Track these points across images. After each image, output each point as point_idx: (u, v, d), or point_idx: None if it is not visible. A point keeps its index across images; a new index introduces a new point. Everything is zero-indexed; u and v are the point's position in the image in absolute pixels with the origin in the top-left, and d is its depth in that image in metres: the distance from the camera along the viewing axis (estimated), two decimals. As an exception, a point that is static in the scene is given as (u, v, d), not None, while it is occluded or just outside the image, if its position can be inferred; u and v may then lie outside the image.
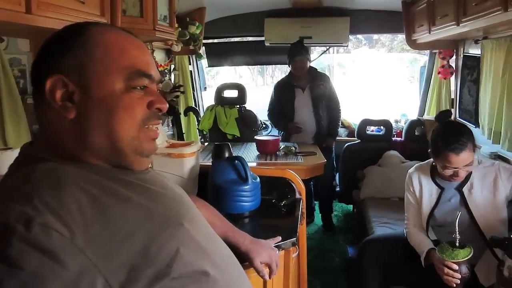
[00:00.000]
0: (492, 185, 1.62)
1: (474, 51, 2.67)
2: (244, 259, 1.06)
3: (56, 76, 0.62)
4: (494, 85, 2.25)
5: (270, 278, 1.13)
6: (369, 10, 3.59)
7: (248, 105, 3.37)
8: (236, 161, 1.51)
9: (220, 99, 3.32)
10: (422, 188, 1.75)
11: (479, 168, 1.66)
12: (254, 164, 2.36)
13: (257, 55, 4.16)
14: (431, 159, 1.76)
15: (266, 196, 1.61)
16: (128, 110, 0.65)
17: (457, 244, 1.46)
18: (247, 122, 3.25)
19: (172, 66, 3.27)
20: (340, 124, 3.32)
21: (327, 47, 3.98)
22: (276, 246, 1.23)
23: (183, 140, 3.13)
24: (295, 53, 3.08)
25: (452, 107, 3.22)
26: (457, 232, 1.44)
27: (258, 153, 2.69)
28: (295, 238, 1.34)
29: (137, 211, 0.61)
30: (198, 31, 2.90)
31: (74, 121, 0.63)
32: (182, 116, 3.31)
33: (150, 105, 0.67)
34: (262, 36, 3.67)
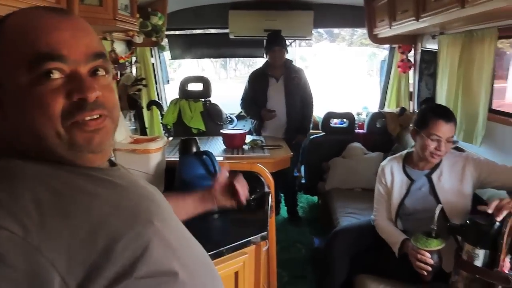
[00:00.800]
0: (460, 174, 1.70)
1: (431, 46, 2.78)
2: (225, 195, 1.13)
3: None
4: (450, 79, 2.35)
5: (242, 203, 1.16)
6: (332, 4, 3.64)
7: (212, 99, 3.32)
8: (204, 156, 1.48)
9: (184, 93, 3.25)
10: (394, 180, 1.82)
11: (449, 156, 1.74)
12: (221, 159, 2.33)
13: (221, 47, 4.11)
14: (403, 152, 1.84)
15: (235, 190, 1.59)
16: (39, 106, 0.55)
17: (433, 234, 1.52)
18: (213, 116, 3.21)
19: (134, 59, 3.15)
20: (311, 120, 3.36)
21: (291, 41, 3.99)
22: (247, 241, 1.22)
23: (146, 135, 3.04)
24: (273, 42, 3.09)
25: (411, 100, 3.35)
26: (435, 224, 1.50)
27: (224, 147, 2.67)
28: (265, 232, 1.34)
29: (103, 207, 0.57)
30: (160, 22, 2.80)
31: (3, 119, 0.58)
32: (144, 110, 3.21)
33: (69, 95, 0.57)
34: (226, 28, 3.62)
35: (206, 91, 3.23)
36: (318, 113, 3.97)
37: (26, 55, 0.55)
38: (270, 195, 1.62)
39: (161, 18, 2.81)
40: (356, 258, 1.83)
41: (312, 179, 3.39)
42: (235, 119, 3.90)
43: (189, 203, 1.09)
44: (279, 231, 3.11)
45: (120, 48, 2.77)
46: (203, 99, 3.23)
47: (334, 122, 3.57)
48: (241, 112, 4.15)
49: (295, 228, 3.29)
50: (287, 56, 3.22)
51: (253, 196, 1.60)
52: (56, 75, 0.56)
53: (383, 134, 3.24)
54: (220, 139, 2.77)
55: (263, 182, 1.67)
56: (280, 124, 3.14)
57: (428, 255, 1.51)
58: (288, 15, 3.54)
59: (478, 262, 1.38)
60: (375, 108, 3.87)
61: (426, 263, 1.51)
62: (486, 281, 1.39)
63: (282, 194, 3.56)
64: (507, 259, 1.38)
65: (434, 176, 1.73)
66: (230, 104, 4.41)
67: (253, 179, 1.68)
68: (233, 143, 2.64)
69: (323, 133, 3.40)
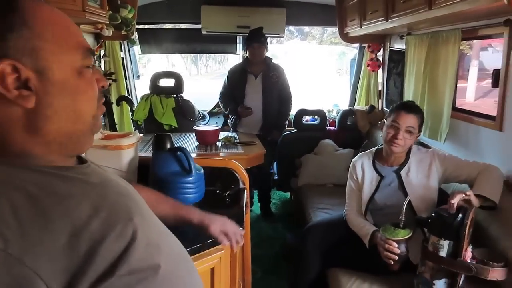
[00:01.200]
0: (427, 169, 1.78)
1: (399, 45, 2.88)
2: (199, 232, 1.05)
3: (5, 62, 0.53)
4: (417, 78, 2.45)
5: (234, 249, 1.14)
6: (304, 3, 3.68)
7: (184, 95, 3.28)
8: (178, 152, 1.46)
9: (155, 88, 3.18)
10: (364, 175, 1.88)
11: (416, 153, 1.82)
12: (194, 155, 2.31)
13: (192, 43, 4.06)
14: (374, 148, 1.90)
15: (209, 187, 1.59)
16: (90, 90, 0.63)
17: (401, 225, 1.59)
18: (185, 112, 3.17)
19: (102, 52, 3.05)
20: (288, 118, 3.38)
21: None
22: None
23: (116, 131, 2.96)
24: (253, 39, 3.08)
25: (380, 98, 3.45)
26: (403, 215, 1.57)
27: (197, 143, 2.64)
28: (242, 228, 1.34)
29: (82, 209, 0.55)
30: (130, 15, 2.72)
31: (32, 110, 0.56)
32: (114, 106, 3.12)
33: (97, 83, 0.65)
34: (198, 23, 3.58)
35: (178, 87, 3.18)
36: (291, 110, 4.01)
37: (78, 46, 0.61)
38: (245, 191, 1.62)
39: (131, 11, 2.74)
40: (328, 252, 1.88)
41: (285, 176, 3.43)
42: (207, 115, 3.87)
43: (169, 207, 1.07)
44: (252, 227, 3.14)
45: (88, 41, 2.67)
46: (175, 95, 3.18)
47: (306, 119, 3.62)
48: (213, 108, 4.13)
49: (268, 224, 3.32)
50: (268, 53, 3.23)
51: (228, 192, 1.61)
52: (89, 66, 0.63)
53: (353, 131, 3.33)
54: (192, 136, 2.74)
55: (238, 178, 1.67)
56: (256, 121, 3.15)
57: (395, 244, 1.57)
58: (261, 11, 3.55)
59: (443, 253, 1.46)
60: (345, 106, 3.96)
61: (393, 253, 1.57)
62: (450, 270, 1.47)
63: (255, 191, 3.58)
64: (469, 249, 1.46)
65: (403, 172, 1.80)
66: (202, 101, 4.37)
67: (228, 175, 1.68)
68: (206, 140, 2.62)
69: (295, 130, 3.44)
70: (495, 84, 1.78)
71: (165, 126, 3.07)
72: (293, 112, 3.44)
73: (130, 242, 0.56)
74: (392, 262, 1.60)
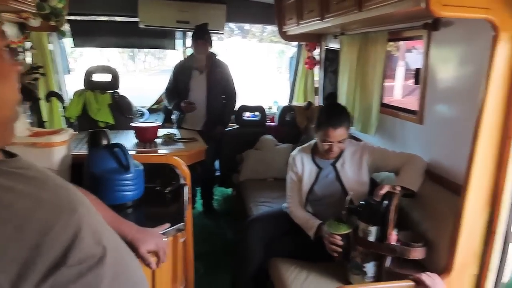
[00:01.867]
0: (358, 161, 1.90)
1: (334, 45, 3.03)
2: (131, 249, 1.02)
3: None
4: (350, 76, 2.60)
5: (158, 266, 1.11)
6: (245, 0, 3.71)
7: (121, 92, 3.16)
8: (115, 149, 1.41)
9: (89, 84, 3.03)
10: (304, 168, 1.96)
11: (349, 146, 1.94)
12: (132, 153, 2.24)
13: (129, 37, 3.89)
14: (312, 142, 1.98)
15: (149, 184, 1.56)
16: (12, 73, 0.61)
17: (344, 220, 1.70)
18: (122, 109, 3.06)
19: (28, 44, 2.82)
20: (232, 114, 3.38)
21: (204, 34, 3.97)
22: (163, 233, 1.21)
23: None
24: (197, 35, 3.07)
25: (316, 95, 3.61)
26: (346, 211, 1.67)
27: (136, 141, 2.56)
28: (182, 224, 1.34)
29: (24, 201, 0.55)
30: (61, 5, 2.54)
31: None
32: (42, 102, 2.91)
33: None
34: (136, 17, 3.45)
35: (114, 83, 3.06)
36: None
37: None
38: (186, 187, 1.62)
39: (62, 1, 2.56)
40: (270, 245, 1.93)
41: (227, 172, 3.45)
42: (146, 112, 3.76)
43: (109, 216, 1.02)
44: (195, 224, 3.12)
45: (11, 31, 2.46)
46: (111, 91, 3.05)
47: (247, 116, 3.67)
48: (153, 105, 4.02)
49: (210, 220, 3.32)
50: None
51: (168, 189, 1.59)
52: None
53: (292, 126, 3.44)
54: (131, 133, 2.65)
55: (178, 175, 1.66)
56: (200, 117, 3.13)
57: (339, 238, 1.68)
58: (201, 7, 3.51)
59: (372, 238, 1.58)
60: (284, 102, 4.07)
61: (337, 245, 1.67)
62: (378, 253, 1.60)
63: (198, 188, 3.56)
64: (394, 233, 1.59)
65: (338, 165, 1.91)
66: (140, 97, 4.23)
67: (168, 172, 1.66)
68: (145, 137, 2.55)
69: (237, 126, 3.47)
70: (416, 81, 1.95)
71: (100, 123, 2.93)
72: (234, 108, 3.46)
73: (76, 232, 0.56)
74: (336, 255, 1.70)
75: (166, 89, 3.26)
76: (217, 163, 3.62)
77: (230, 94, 3.24)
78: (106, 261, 0.60)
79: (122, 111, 3.04)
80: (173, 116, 3.30)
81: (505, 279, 1.47)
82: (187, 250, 1.72)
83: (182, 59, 3.38)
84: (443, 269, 1.43)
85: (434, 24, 1.76)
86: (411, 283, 1.34)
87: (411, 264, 1.58)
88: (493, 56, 1.26)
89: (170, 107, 3.29)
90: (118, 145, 1.42)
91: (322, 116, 1.86)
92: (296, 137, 3.24)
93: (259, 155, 3.23)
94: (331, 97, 2.05)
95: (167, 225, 1.24)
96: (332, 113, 1.86)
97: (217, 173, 3.68)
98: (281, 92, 5.02)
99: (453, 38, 1.70)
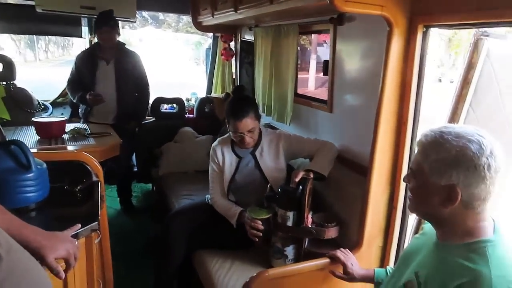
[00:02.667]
0: (275, 149, 1.96)
1: (249, 36, 3.07)
2: (36, 257, 0.92)
3: None
4: (265, 67, 2.67)
5: (67, 273, 1.02)
6: (155, -13, 3.56)
7: (19, 84, 2.83)
8: (12, 146, 1.26)
9: (-24, 74, 2.65)
10: (224, 158, 1.97)
11: (266, 135, 1.99)
12: (34, 151, 2.02)
13: (26, 22, 3.47)
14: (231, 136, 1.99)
15: (55, 183, 1.43)
16: None
17: (265, 205, 1.75)
18: (20, 103, 2.75)
19: None
20: (147, 107, 3.22)
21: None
22: (75, 235, 1.12)
23: None
24: (103, 22, 2.81)
25: (234, 86, 3.63)
26: (265, 199, 1.73)
27: (38, 137, 2.32)
28: (96, 223, 1.26)
29: None
30: None
31: None
32: None
33: None
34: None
35: (9, 73, 2.72)
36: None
37: None
38: (99, 184, 1.52)
39: None
40: (193, 237, 1.91)
41: (145, 167, 3.31)
42: (50, 106, 3.42)
43: (6, 221, 0.90)
44: (113, 224, 2.96)
45: None
46: (4, 82, 2.71)
47: (164, 108, 3.56)
48: (57, 98, 3.67)
49: (130, 218, 3.17)
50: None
51: (78, 187, 1.48)
52: None
53: (211, 118, 3.43)
54: (31, 130, 2.39)
55: (90, 172, 1.55)
56: (110, 110, 2.92)
57: (260, 222, 1.72)
58: (109, -8, 3.27)
59: (290, 223, 1.66)
60: (203, 94, 4.03)
61: (258, 230, 1.71)
62: (296, 237, 1.69)
63: (114, 186, 3.36)
64: (310, 216, 1.70)
65: (257, 153, 1.96)
66: (43, 90, 3.83)
67: (78, 169, 1.54)
68: (49, 133, 2.32)
69: (153, 119, 3.35)
70: (325, 73, 2.08)
71: (-7, 120, 2.59)
72: (150, 101, 3.32)
73: None
74: (257, 239, 1.74)
75: (68, 81, 2.98)
76: (133, 158, 3.46)
77: (143, 86, 3.07)
78: (2, 266, 0.55)
79: (21, 105, 2.73)
80: (79, 110, 3.05)
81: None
82: (103, 251, 1.62)
83: (85, 48, 3.10)
84: (355, 244, 1.57)
85: (339, 19, 1.88)
86: (327, 260, 1.44)
87: (327, 243, 1.69)
88: (388, 50, 1.40)
89: (74, 101, 3.03)
90: (15, 142, 1.26)
91: (227, 110, 1.90)
92: (216, 129, 3.23)
93: (179, 148, 3.17)
94: (238, 90, 2.07)
95: (78, 226, 1.14)
96: (236, 105, 1.89)
97: (135, 169, 3.51)
98: (199, 84, 4.96)
99: (355, 32, 1.84)
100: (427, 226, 1.07)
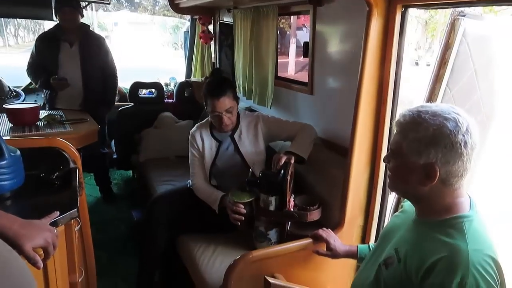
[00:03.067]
0: (254, 131, 1.95)
1: (228, 19, 3.02)
2: (13, 246, 0.89)
3: None
4: (244, 50, 2.63)
5: (45, 262, 0.99)
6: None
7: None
8: (-17, 133, 1.21)
9: None
10: (204, 143, 1.95)
11: (244, 117, 1.97)
12: (7, 138, 1.95)
13: (-8, 4, 3.30)
14: (209, 118, 1.96)
15: (31, 171, 1.38)
16: None
17: (247, 189, 1.74)
18: (-10, 89, 2.62)
19: None
20: (116, 92, 3.12)
21: (86, 3, 3.58)
22: (53, 223, 1.09)
23: None
24: (63, 2, 2.69)
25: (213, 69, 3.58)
26: (247, 184, 1.71)
27: (11, 125, 2.23)
28: (75, 210, 1.23)
29: None
30: None
31: None
32: None
33: None
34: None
35: (-24, 58, 2.58)
36: (125, 84, 3.78)
37: None
38: (77, 170, 1.48)
39: None
40: (176, 222, 1.90)
41: (124, 153, 3.26)
42: (22, 93, 3.30)
43: None
44: (94, 212, 2.92)
45: None
46: (-29, 68, 2.58)
47: (143, 93, 3.49)
48: (29, 85, 3.54)
49: (111, 206, 3.13)
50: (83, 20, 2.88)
51: (55, 175, 1.44)
52: None
53: (191, 102, 3.38)
54: (3, 117, 2.30)
55: (67, 158, 1.50)
56: (76, 95, 2.83)
57: (242, 206, 1.71)
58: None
59: (272, 207, 1.66)
60: (182, 79, 3.96)
61: (240, 214, 1.71)
62: (279, 221, 1.70)
63: (91, 174, 3.30)
64: (292, 199, 1.71)
65: (236, 136, 1.95)
66: (13, 77, 3.68)
67: (54, 156, 1.49)
68: (22, 120, 2.24)
69: (132, 104, 3.28)
70: (305, 55, 2.07)
71: (-39, 108, 2.47)
72: (127, 86, 3.24)
73: None
74: (239, 223, 1.74)
75: (28, 64, 2.85)
76: (112, 145, 3.39)
77: (110, 70, 2.97)
78: None
79: (-10, 92, 2.62)
80: (43, 96, 2.93)
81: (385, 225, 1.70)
82: (84, 239, 1.59)
83: (47, 30, 2.96)
84: (336, 225, 1.60)
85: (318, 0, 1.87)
86: (309, 240, 1.47)
87: (310, 225, 1.71)
88: (367, 30, 1.40)
89: (37, 86, 2.91)
90: (-15, 129, 1.21)
91: (205, 90, 1.87)
92: (196, 113, 3.20)
93: (159, 133, 3.12)
94: (216, 72, 2.03)
95: (56, 213, 1.11)
96: (213, 84, 1.87)
97: (114, 156, 3.45)
98: (178, 69, 4.87)
99: (335, 13, 1.84)
100: (407, 204, 1.09)
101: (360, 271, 1.16)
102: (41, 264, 0.94)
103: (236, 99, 1.88)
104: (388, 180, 1.03)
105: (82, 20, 2.85)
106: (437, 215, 0.91)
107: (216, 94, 1.80)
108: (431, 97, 1.54)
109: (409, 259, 0.91)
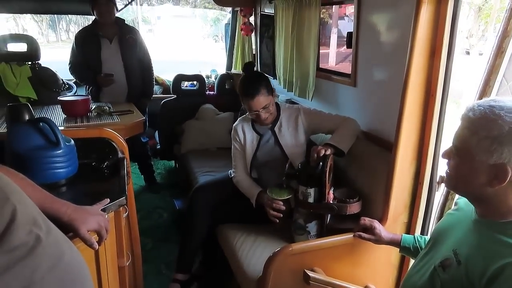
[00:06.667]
0: (294, 124, 1.94)
1: (269, 10, 3.00)
2: (69, 230, 0.96)
3: None
4: (286, 41, 2.61)
5: (100, 245, 1.06)
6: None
7: (43, 65, 2.87)
8: (41, 124, 1.29)
9: (3, 55, 2.70)
10: (246, 137, 1.98)
11: (285, 110, 1.97)
12: (61, 129, 2.08)
13: (47, 1, 3.50)
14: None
15: (83, 160, 1.47)
16: None
17: (284, 186, 1.75)
18: (46, 82, 2.79)
19: None
20: (154, 83, 3.20)
21: (131, -1, 3.70)
22: (104, 210, 1.15)
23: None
24: None
25: (255, 61, 3.58)
26: (285, 177, 1.72)
27: (64, 116, 2.38)
28: (124, 198, 1.29)
29: None
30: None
31: None
32: None
33: None
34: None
35: (33, 52, 2.76)
36: (167, 76, 3.88)
37: None
38: (125, 160, 1.55)
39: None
40: (216, 210, 1.95)
41: (167, 144, 3.36)
42: (74, 85, 3.48)
43: (38, 196, 0.92)
44: (139, 200, 3.05)
45: None
46: (29, 62, 2.76)
47: (185, 85, 3.56)
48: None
49: (155, 195, 3.25)
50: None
51: (105, 164, 1.51)
52: None
53: (232, 94, 3.41)
54: (57, 109, 2.45)
55: (116, 148, 1.58)
56: (121, 89, 2.91)
57: (281, 203, 1.73)
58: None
59: (311, 199, 1.65)
60: (223, 71, 4.00)
61: (279, 210, 1.73)
62: (318, 213, 1.68)
63: (135, 163, 3.43)
64: (331, 192, 1.68)
65: (276, 129, 1.94)
66: (66, 70, 3.89)
67: (104, 146, 1.57)
68: (75, 111, 2.37)
69: (175, 96, 3.36)
70: (348, 45, 2.01)
71: (21, 99, 2.65)
72: (170, 78, 3.33)
73: (10, 220, 0.55)
74: (277, 221, 1.76)
75: (70, 63, 2.93)
76: (156, 136, 3.50)
77: (146, 62, 3.02)
78: (38, 252, 0.57)
79: (46, 84, 2.78)
80: (86, 92, 3.02)
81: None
82: (131, 225, 1.67)
83: (83, 27, 3.01)
84: (379, 220, 1.55)
85: (364, -13, 1.80)
86: (350, 235, 1.44)
87: (350, 218, 1.68)
88: (417, 18, 1.33)
89: (82, 83, 3.01)
90: (43, 120, 1.29)
91: (240, 90, 1.87)
92: (237, 105, 3.20)
93: (200, 125, 3.18)
94: (248, 67, 2.01)
95: (107, 200, 1.18)
96: (247, 84, 1.85)
97: (158, 146, 3.57)
98: (219, 61, 4.92)
99: (381, 1, 1.76)
100: (462, 201, 1.03)
101: (412, 271, 1.10)
102: (96, 245, 1.01)
103: (271, 93, 1.87)
104: (446, 177, 0.95)
105: (127, 14, 2.94)
106: (503, 216, 0.84)
107: (250, 94, 1.81)
108: (485, 89, 1.45)
109: (471, 262, 0.85)
